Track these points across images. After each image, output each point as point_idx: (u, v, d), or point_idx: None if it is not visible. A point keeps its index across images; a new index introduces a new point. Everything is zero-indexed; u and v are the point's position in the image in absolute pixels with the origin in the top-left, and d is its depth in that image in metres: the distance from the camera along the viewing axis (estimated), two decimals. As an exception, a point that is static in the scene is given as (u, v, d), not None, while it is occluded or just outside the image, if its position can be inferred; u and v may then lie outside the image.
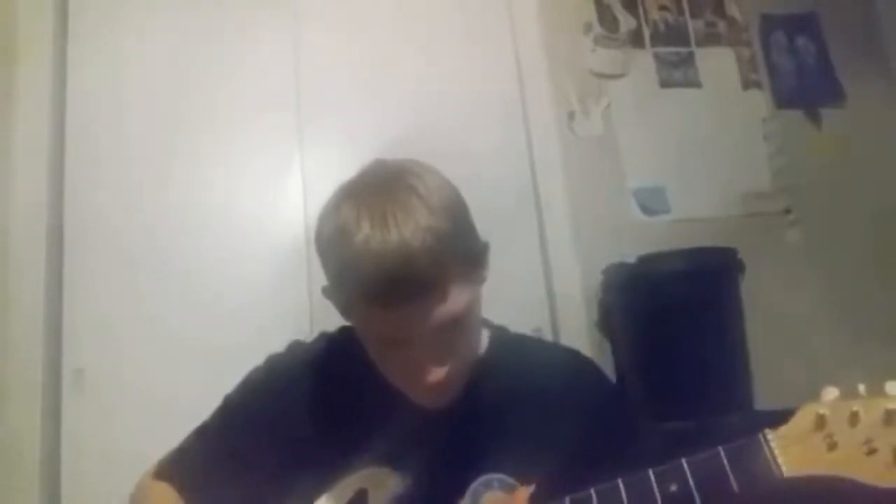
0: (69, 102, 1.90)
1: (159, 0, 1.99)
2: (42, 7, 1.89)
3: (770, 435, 0.63)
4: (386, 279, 0.68)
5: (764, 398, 1.71)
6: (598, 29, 2.14)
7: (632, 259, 1.82)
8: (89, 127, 1.89)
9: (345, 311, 0.79)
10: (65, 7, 1.94)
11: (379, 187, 0.73)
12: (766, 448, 0.63)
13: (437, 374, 0.75)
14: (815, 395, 0.64)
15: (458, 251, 0.73)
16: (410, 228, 0.69)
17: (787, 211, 2.12)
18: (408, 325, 0.72)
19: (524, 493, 0.72)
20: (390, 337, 0.74)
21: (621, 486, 0.67)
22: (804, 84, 2.25)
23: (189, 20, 1.97)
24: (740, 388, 1.71)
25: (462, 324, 0.75)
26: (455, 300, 0.73)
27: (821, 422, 0.62)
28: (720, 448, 0.65)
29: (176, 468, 0.86)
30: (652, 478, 0.66)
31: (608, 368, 1.80)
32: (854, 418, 0.61)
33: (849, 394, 0.62)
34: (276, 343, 0.92)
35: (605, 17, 2.15)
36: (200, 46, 1.96)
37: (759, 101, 2.20)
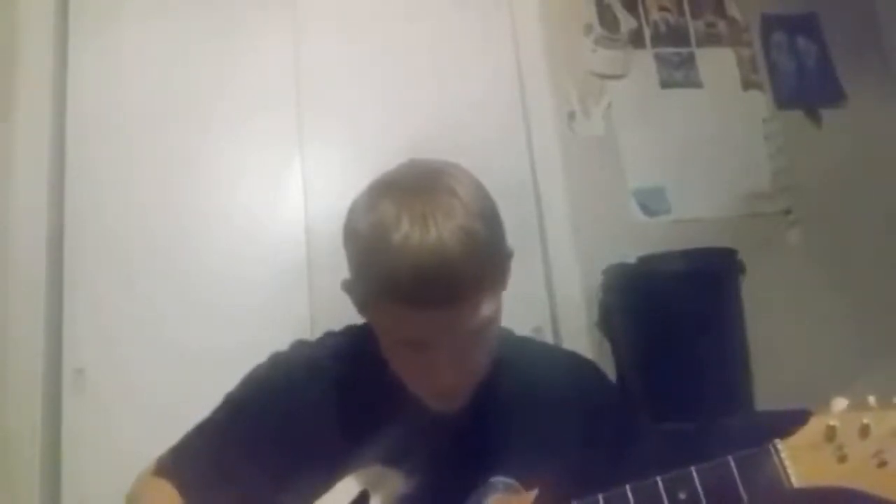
0: (69, 103, 1.89)
1: (159, 0, 1.99)
2: (42, 7, 1.89)
3: (780, 445, 0.63)
4: (423, 279, 0.67)
5: (764, 399, 1.72)
6: (598, 29, 2.14)
7: (632, 259, 1.82)
8: (89, 127, 1.89)
9: (365, 307, 0.78)
10: (65, 7, 1.94)
11: (418, 187, 0.72)
12: (776, 458, 0.63)
13: (455, 379, 0.75)
14: (823, 404, 0.64)
15: (493, 257, 0.73)
16: (450, 230, 0.68)
17: (788, 211, 2.12)
18: (438, 329, 0.71)
19: (528, 496, 0.72)
20: (415, 339, 0.73)
21: (629, 492, 0.67)
22: (804, 84, 2.25)
23: (189, 19, 1.97)
24: (740, 389, 1.71)
25: (487, 331, 0.75)
26: (486, 307, 0.72)
27: (831, 433, 0.62)
28: (730, 457, 0.65)
29: (176, 465, 0.85)
30: (661, 485, 0.66)
31: (608, 369, 1.80)
32: (865, 430, 0.61)
33: (859, 405, 0.63)
34: (277, 343, 0.92)
35: (606, 17, 2.15)
36: (200, 46, 1.96)
37: (760, 101, 2.20)
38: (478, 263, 0.69)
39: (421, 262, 0.67)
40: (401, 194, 0.71)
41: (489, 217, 0.73)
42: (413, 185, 0.72)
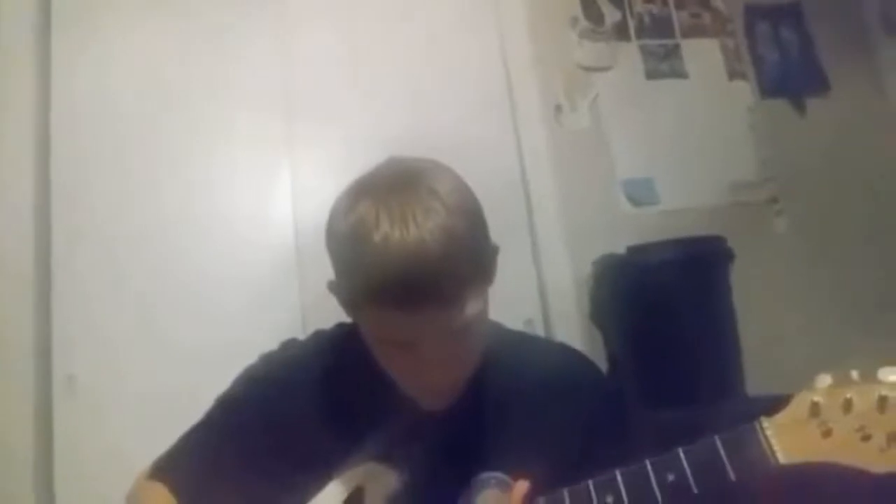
0: (54, 105, 1.87)
1: (146, 2, 1.97)
2: (24, 10, 1.86)
3: (765, 423, 0.64)
4: (403, 280, 0.67)
5: (754, 384, 1.73)
6: (583, 22, 2.14)
7: (621, 250, 1.83)
8: (75, 130, 1.87)
9: (351, 308, 0.78)
10: (47, 9, 1.92)
11: (398, 186, 0.71)
12: (761, 436, 0.63)
13: (443, 378, 0.75)
14: (807, 382, 0.64)
15: (475, 254, 0.72)
16: (430, 229, 0.67)
17: (774, 200, 2.13)
18: (421, 329, 0.70)
19: (520, 490, 0.72)
20: (401, 340, 0.72)
21: (618, 476, 0.67)
22: (789, 74, 2.27)
23: (176, 20, 1.95)
24: (731, 375, 1.72)
25: (473, 329, 0.74)
26: (470, 305, 0.71)
27: (815, 409, 0.62)
28: (716, 437, 0.65)
29: (170, 468, 0.85)
30: (649, 467, 0.66)
31: (600, 358, 1.81)
32: (848, 405, 0.61)
33: (842, 380, 0.63)
34: (268, 344, 0.91)
35: (591, 10, 2.16)
36: (189, 47, 1.94)
37: (745, 91, 2.21)
38: (460, 262, 0.69)
39: (401, 263, 0.66)
40: (380, 194, 0.70)
41: (470, 214, 0.72)
42: (392, 185, 0.71)
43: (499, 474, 0.79)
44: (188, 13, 1.96)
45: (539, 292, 1.97)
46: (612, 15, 2.17)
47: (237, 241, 1.87)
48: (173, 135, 1.89)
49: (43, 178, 1.83)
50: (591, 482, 0.68)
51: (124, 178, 1.86)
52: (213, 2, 1.99)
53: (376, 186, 0.72)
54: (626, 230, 1.95)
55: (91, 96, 1.88)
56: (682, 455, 0.66)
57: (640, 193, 2.05)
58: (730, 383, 1.70)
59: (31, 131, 1.81)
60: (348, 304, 0.77)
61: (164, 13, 1.95)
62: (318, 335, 0.91)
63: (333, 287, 0.78)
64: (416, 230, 0.67)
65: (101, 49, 1.91)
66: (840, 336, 1.93)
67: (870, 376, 0.62)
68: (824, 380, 0.63)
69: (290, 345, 0.91)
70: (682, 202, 2.05)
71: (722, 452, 0.64)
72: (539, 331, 1.91)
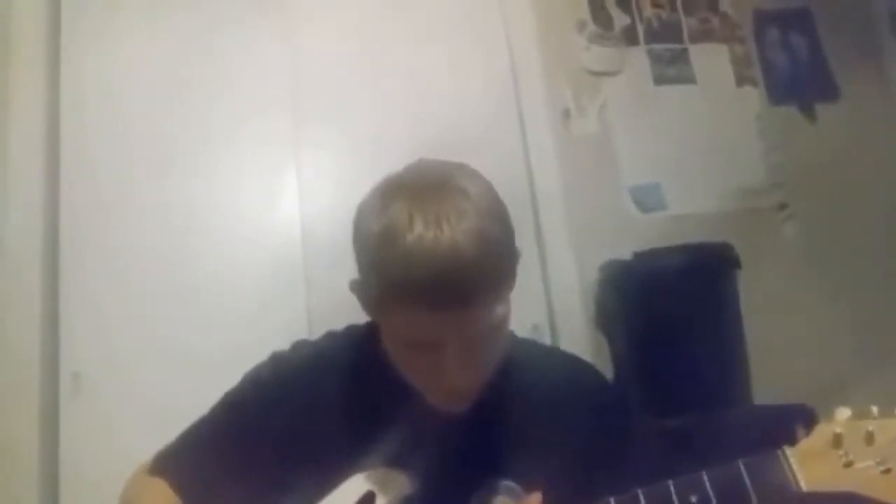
0: (63, 105, 1.88)
1: (154, 1, 1.98)
2: (36, 9, 1.88)
3: (789, 451, 0.65)
4: (436, 281, 0.67)
5: (761, 391, 1.72)
6: (591, 27, 2.14)
7: (628, 256, 1.83)
8: (84, 129, 1.88)
9: (374, 308, 0.78)
10: (58, 9, 1.93)
11: (430, 187, 0.71)
12: (784, 463, 0.65)
13: (466, 380, 0.75)
14: (825, 409, 0.66)
15: (504, 257, 0.73)
16: (463, 231, 0.68)
17: (783, 206, 2.12)
18: (451, 330, 0.71)
19: (531, 500, 0.72)
20: (427, 341, 0.72)
21: (641, 496, 0.67)
22: (798, 79, 2.26)
23: (184, 21, 1.96)
24: (738, 383, 1.72)
25: (499, 331, 0.75)
26: (498, 307, 0.72)
27: (837, 440, 0.64)
28: (740, 461, 0.66)
29: (172, 463, 0.84)
30: (672, 488, 0.67)
31: (605, 364, 1.81)
32: (870, 438, 0.63)
33: (862, 414, 0.65)
34: (274, 345, 0.91)
35: (599, 14, 2.15)
36: (195, 48, 1.95)
37: (754, 96, 2.21)
38: (491, 264, 0.69)
39: (435, 264, 0.67)
40: (413, 195, 0.71)
41: (501, 217, 0.73)
42: (425, 186, 0.72)
43: (509, 483, 0.79)
44: (195, 13, 1.96)
45: (546, 298, 1.96)
46: (620, 19, 2.16)
47: (243, 242, 1.88)
48: (180, 136, 1.90)
49: (52, 177, 1.84)
50: (612, 500, 0.69)
51: (131, 179, 1.86)
52: (219, 1, 2.00)
53: (408, 187, 0.72)
54: (633, 236, 1.95)
55: (99, 97, 1.89)
56: (705, 477, 0.66)
57: (647, 199, 2.05)
58: (736, 391, 1.70)
59: (40, 132, 1.82)
60: (373, 303, 0.77)
61: (171, 13, 1.96)
62: (331, 336, 0.90)
63: (356, 287, 0.78)
64: (449, 231, 0.67)
65: (109, 50, 1.92)
66: (849, 343, 1.91)
67: (888, 411, 0.64)
68: (844, 412, 0.65)
69: (300, 346, 0.90)
70: (689, 208, 2.05)
71: (745, 477, 0.65)
72: (545, 336, 1.90)
